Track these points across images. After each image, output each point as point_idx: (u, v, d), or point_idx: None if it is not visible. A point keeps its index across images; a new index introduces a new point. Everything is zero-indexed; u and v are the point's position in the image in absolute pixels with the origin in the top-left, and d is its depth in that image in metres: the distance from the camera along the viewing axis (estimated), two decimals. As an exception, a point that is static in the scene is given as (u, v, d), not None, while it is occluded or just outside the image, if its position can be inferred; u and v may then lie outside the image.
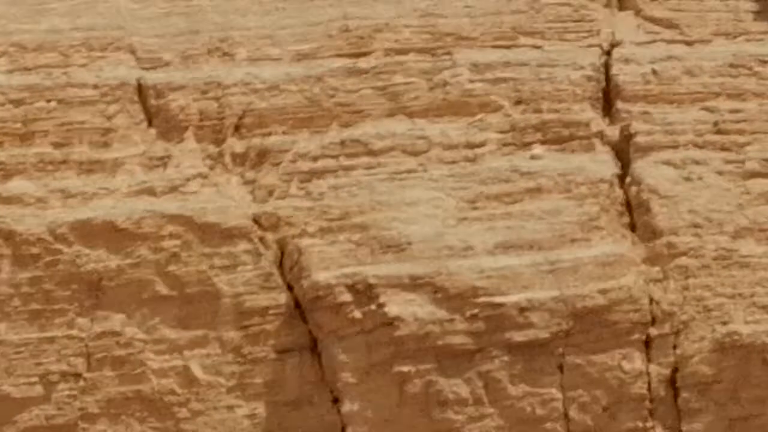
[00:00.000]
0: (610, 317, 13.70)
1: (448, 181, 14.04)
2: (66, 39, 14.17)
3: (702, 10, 14.88)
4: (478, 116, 14.19)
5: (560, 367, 13.85)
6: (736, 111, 14.21)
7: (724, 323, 13.74)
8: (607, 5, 15.25)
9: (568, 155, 14.13)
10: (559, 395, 13.89)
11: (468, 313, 13.65)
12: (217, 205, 13.75)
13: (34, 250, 13.28)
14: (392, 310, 13.56)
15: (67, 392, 13.58)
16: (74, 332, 13.55)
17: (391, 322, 13.59)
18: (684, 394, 13.85)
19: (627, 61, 14.48)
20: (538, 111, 14.19)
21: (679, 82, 14.36)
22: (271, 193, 14.01)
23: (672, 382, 13.88)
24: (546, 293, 13.70)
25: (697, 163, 14.04)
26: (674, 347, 13.85)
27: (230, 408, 13.68)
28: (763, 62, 14.47)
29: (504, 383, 13.76)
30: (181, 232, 13.67)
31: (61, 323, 13.52)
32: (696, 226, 13.80)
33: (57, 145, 13.99)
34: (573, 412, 13.90)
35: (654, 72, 14.34)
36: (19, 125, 13.95)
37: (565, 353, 13.83)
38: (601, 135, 14.31)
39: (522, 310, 13.64)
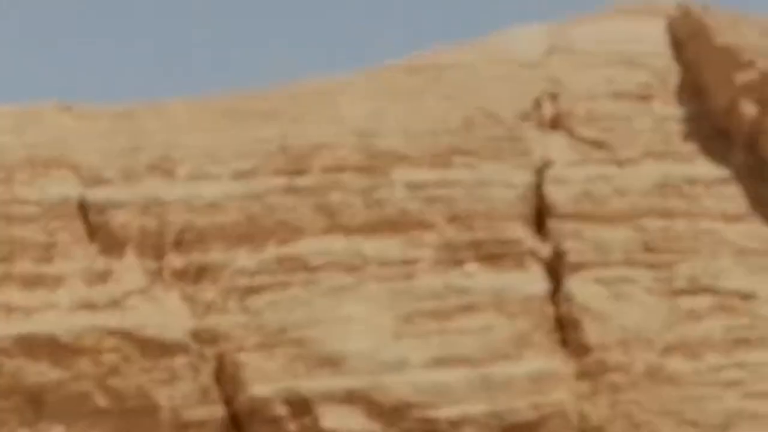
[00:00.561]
0: None
1: (383, 297, 14.36)
2: (10, 156, 14.51)
3: (631, 131, 15.30)
4: (413, 234, 14.50)
5: None
6: (665, 230, 14.55)
7: None
8: (540, 126, 15.65)
9: (500, 273, 14.46)
10: None
11: (402, 427, 13.88)
12: (156, 320, 14.05)
13: (-23, 363, 13.58)
14: (327, 423, 13.81)
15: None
16: (15, 444, 13.81)
17: None
18: None
19: (559, 181, 14.87)
20: (472, 229, 14.55)
21: (609, 201, 14.75)
22: (209, 308, 14.31)
23: None
24: (478, 408, 13.98)
25: (626, 281, 14.38)
26: None
27: None
28: (691, 183, 14.86)
29: None
30: (120, 346, 13.96)
31: (2, 434, 13.79)
32: (625, 343, 14.13)
33: (0, 260, 14.31)
34: None
35: (585, 192, 14.73)
36: (-38, 241, 14.30)
37: None
38: (533, 253, 14.66)
39: (454, 424, 13.90)
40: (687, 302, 14.54)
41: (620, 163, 15.24)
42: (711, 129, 15.52)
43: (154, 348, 14.04)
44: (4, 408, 14.01)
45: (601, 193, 14.83)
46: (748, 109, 14.95)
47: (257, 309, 14.33)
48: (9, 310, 14.20)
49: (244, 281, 14.44)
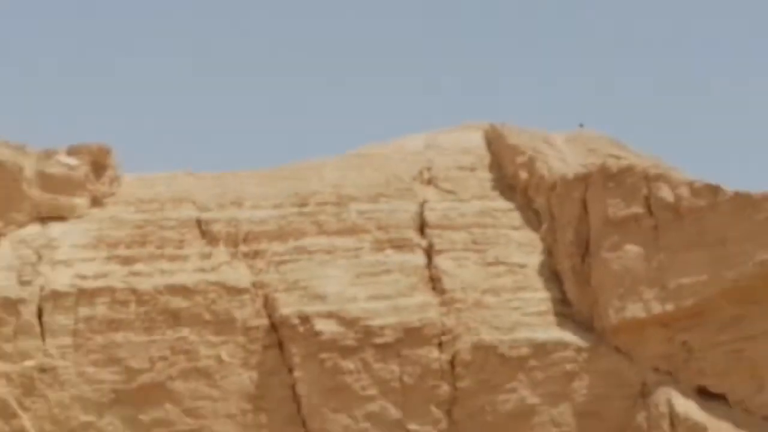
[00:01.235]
0: (422, 332, 30.23)
1: (346, 266, 30.47)
2: (162, 196, 31.57)
3: (466, 185, 32.56)
4: (360, 235, 31.22)
5: (398, 356, 29.78)
6: (484, 234, 31.50)
7: (477, 335, 30.43)
8: (422, 183, 32.72)
9: (403, 254, 30.91)
10: (397, 369, 30.03)
11: (354, 329, 29.86)
12: (234, 277, 30.53)
13: None
14: (318, 327, 30.15)
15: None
16: None
17: (317, 333, 30.21)
18: (457, 369, 29.68)
19: (431, 209, 31.71)
20: (389, 233, 30.86)
21: (455, 219, 31.66)
22: (260, 271, 30.69)
23: (451, 363, 30.02)
24: (392, 320, 29.74)
25: (464, 258, 31.24)
26: (452, 346, 30.17)
27: None
28: (496, 210, 31.89)
29: (372, 363, 29.51)
30: (217, 290, 30.51)
31: None
32: (464, 288, 30.78)
33: (156, 247, 30.95)
34: (405, 377, 29.99)
35: (444, 215, 31.75)
36: None
37: (401, 349, 29.58)
38: (419, 244, 31.44)
39: (381, 327, 29.76)
40: (493, 269, 31.45)
41: (461, 201, 32.37)
42: (506, 185, 32.56)
43: (233, 291, 30.63)
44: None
45: (451, 216, 31.87)
46: (523, 175, 32.49)
47: (284, 271, 30.83)
48: (162, 272, 30.81)
49: (276, 258, 31.18)
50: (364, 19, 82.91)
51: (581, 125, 38.37)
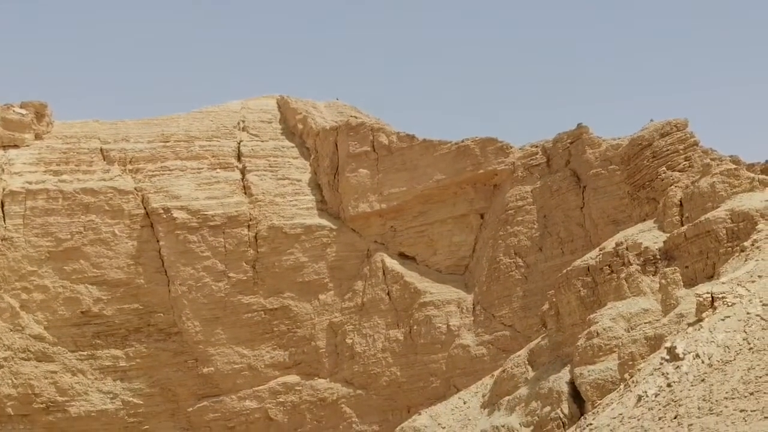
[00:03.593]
0: (238, 219, 51.21)
1: (192, 179, 51.60)
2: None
3: (266, 131, 53.68)
4: (201, 160, 52.02)
5: (223, 233, 50.45)
6: (276, 161, 52.81)
7: (271, 221, 51.53)
8: (239, 129, 53.41)
9: (228, 172, 52.31)
10: (223, 240, 50.74)
11: (197, 216, 50.99)
12: (124, 184, 50.96)
13: None
14: (175, 215, 50.85)
15: None
16: None
17: (174, 218, 50.74)
18: (259, 241, 50.14)
19: (245, 145, 51.99)
20: (218, 159, 52.11)
21: (259, 152, 52.75)
22: (139, 181, 51.21)
23: (255, 237, 50.99)
24: (220, 211, 51.02)
25: (264, 175, 52.52)
26: (256, 227, 50.98)
27: None
28: (284, 147, 53.19)
29: (207, 237, 50.05)
30: None
31: None
32: (263, 192, 52.11)
33: None
34: (227, 246, 51.08)
35: (252, 149, 52.64)
36: None
37: (225, 229, 50.41)
38: (237, 167, 52.37)
39: (213, 215, 50.85)
40: (282, 182, 51.69)
41: (262, 141, 52.30)
42: (289, 132, 51.73)
43: (123, 192, 50.28)
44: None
45: (256, 150, 51.94)
46: (300, 126, 50.91)
47: (154, 181, 49.77)
48: (79, 180, 50.53)
49: (150, 173, 50.95)
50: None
51: (337, 98, 56.23)
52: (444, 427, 35.77)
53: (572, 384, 29.70)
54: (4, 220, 45.33)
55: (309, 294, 47.56)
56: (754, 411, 16.80)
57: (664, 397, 19.74)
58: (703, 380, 19.27)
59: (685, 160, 34.00)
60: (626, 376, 23.80)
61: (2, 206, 45.50)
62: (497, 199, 45.91)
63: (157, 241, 47.00)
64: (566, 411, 29.68)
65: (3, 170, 46.03)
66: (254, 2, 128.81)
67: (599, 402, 25.24)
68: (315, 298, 47.56)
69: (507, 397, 33.82)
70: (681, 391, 19.26)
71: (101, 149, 48.77)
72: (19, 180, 46.19)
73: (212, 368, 46.43)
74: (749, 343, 19.63)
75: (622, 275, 29.78)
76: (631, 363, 24.98)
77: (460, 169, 46.73)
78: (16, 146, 47.71)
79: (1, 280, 43.90)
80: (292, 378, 46.94)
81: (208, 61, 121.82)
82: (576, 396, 29.52)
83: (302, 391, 46.48)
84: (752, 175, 30.67)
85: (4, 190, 45.40)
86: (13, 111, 47.38)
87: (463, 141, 47.04)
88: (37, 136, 48.55)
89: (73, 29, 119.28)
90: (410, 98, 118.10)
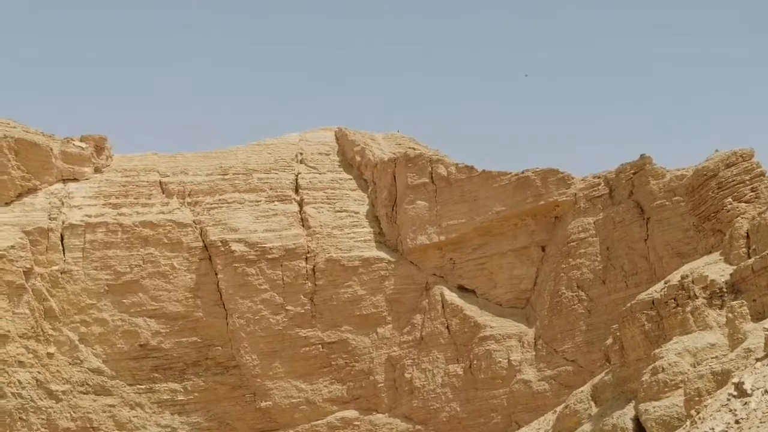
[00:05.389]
0: (296, 252, 51.27)
1: (250, 211, 51.97)
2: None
3: (324, 163, 54.16)
4: (259, 193, 52.34)
5: (281, 266, 50.14)
6: (334, 193, 53.23)
7: (328, 253, 51.76)
8: (297, 161, 53.17)
9: (285, 204, 52.77)
10: (281, 273, 50.52)
11: (255, 249, 51.37)
12: (182, 216, 51.64)
13: None
14: (233, 248, 51.42)
15: None
16: None
17: (233, 251, 51.17)
18: (317, 273, 49.29)
19: (302, 178, 52.01)
20: (276, 192, 52.43)
21: (317, 184, 52.93)
22: (198, 214, 51.62)
23: (313, 270, 50.98)
24: (278, 243, 51.33)
25: (321, 207, 52.84)
26: (314, 260, 51.25)
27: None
28: (341, 180, 53.47)
29: (265, 269, 49.88)
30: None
31: None
32: (321, 225, 52.37)
33: None
34: (285, 278, 51.11)
35: (310, 182, 52.98)
36: None
37: (283, 261, 50.84)
38: (294, 199, 52.77)
39: (270, 248, 51.32)
40: (339, 214, 51.42)
41: (320, 173, 51.93)
42: (347, 164, 51.83)
43: (181, 225, 50.66)
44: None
45: (314, 182, 51.87)
46: (358, 158, 51.03)
47: (212, 214, 49.20)
48: (138, 213, 51.28)
49: (208, 206, 51.24)
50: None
51: (398, 131, 56.96)
52: (506, 464, 33.89)
53: (637, 420, 29.42)
54: (64, 254, 45.93)
55: (367, 327, 47.65)
56: (824, 448, 15.68)
57: (731, 434, 18.46)
58: (771, 417, 18.03)
59: (752, 191, 33.66)
60: (692, 412, 23.75)
61: (62, 239, 46.19)
62: (559, 231, 45.55)
63: (216, 274, 47.40)
64: (631, 448, 28.44)
65: (63, 203, 46.99)
66: (306, 33, 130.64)
67: (665, 439, 23.81)
68: (373, 332, 47.60)
69: (570, 434, 32.63)
70: (749, 428, 19.15)
71: (160, 182, 49.59)
72: (79, 213, 47.04)
73: (270, 402, 46.58)
74: (819, 379, 18.27)
75: (688, 309, 29.44)
76: (697, 399, 24.82)
77: (521, 200, 46.47)
78: (75, 180, 48.68)
79: (60, 313, 44.49)
80: (351, 413, 46.99)
81: (266, 93, 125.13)
82: (641, 432, 28.41)
83: (361, 426, 46.48)
84: (821, 206, 28.86)
85: (63, 223, 46.21)
86: (73, 144, 48.47)
87: (523, 172, 46.88)
88: (97, 170, 49.51)
89: (133, 66, 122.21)
90: (469, 129, 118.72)
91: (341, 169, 52.62)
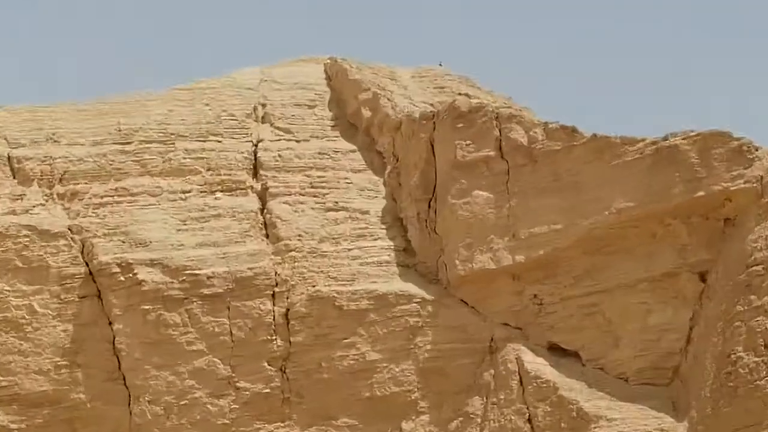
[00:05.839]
0: (254, 282, 43.35)
1: (171, 210, 43.93)
2: None
3: (305, 123, 45.68)
4: (188, 177, 44.43)
5: (228, 308, 43.02)
6: (323, 177, 44.69)
7: (313, 286, 43.52)
8: (256, 120, 46.02)
9: (234, 198, 44.30)
10: (227, 322, 43.17)
11: (180, 279, 43.17)
12: (49, 220, 43.21)
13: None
14: (141, 276, 43.06)
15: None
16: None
17: (140, 283, 43.03)
18: (292, 322, 43.04)
19: (266, 150, 44.99)
20: (220, 174, 44.47)
21: (291, 160, 44.92)
22: (77, 214, 43.62)
23: (286, 316, 43.21)
24: (221, 269, 43.36)
25: (301, 203, 44.35)
26: (287, 298, 43.30)
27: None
28: (336, 152, 45.29)
29: (199, 315, 43.07)
30: (30, 234, 43.29)
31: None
32: (300, 236, 43.89)
33: None
34: (234, 331, 43.16)
35: (279, 155, 45.01)
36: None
37: (231, 301, 43.04)
38: (252, 188, 44.57)
39: (209, 277, 43.18)
40: (332, 215, 44.27)
41: (298, 141, 45.62)
42: (347, 124, 46.05)
43: (47, 235, 43.13)
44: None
45: (288, 156, 45.09)
46: (366, 113, 45.69)
47: (104, 215, 43.40)
48: None
49: (96, 200, 43.87)
50: None
51: (440, 64, 50.09)
52: None
53: None
54: None
55: (384, 420, 42.70)
56: None
57: None
58: None
59: None
60: None
61: None
62: (732, 246, 40.47)
63: (110, 323, 42.66)
64: None
65: None
66: None
67: None
68: (396, 429, 42.50)
69: None
70: None
71: (9, 157, 44.80)
72: None
73: None
74: None
75: None
76: None
77: (661, 189, 40.84)
78: None
79: None
80: None
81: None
82: None
83: None
84: None
85: None
86: None
87: (666, 138, 41.19)
88: None
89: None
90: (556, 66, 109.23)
91: (336, 132, 47.30)
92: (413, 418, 42.90)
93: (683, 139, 40.96)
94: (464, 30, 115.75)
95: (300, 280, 43.03)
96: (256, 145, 46.29)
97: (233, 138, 46.27)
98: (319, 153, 46.01)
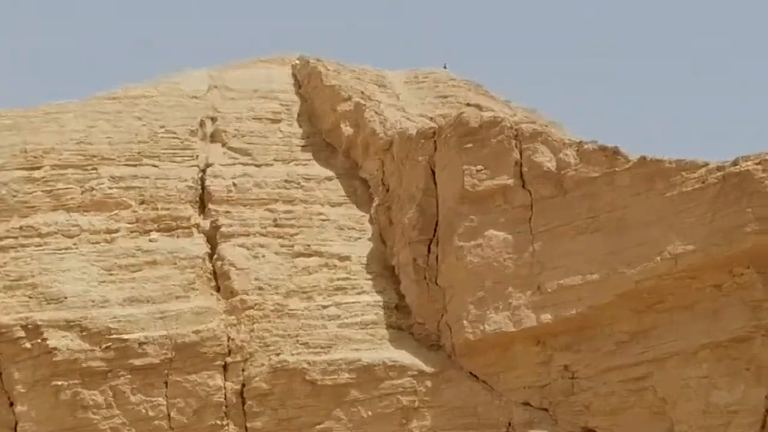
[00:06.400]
0: (200, 350, 35.65)
1: (93, 255, 36.26)
2: None
3: (266, 143, 38.25)
4: (115, 212, 36.63)
5: (166, 383, 35.96)
6: (288, 212, 37.13)
7: (277, 354, 35.79)
8: (203, 138, 38.52)
9: (175, 239, 36.54)
10: (164, 402, 35.71)
11: (104, 346, 35.36)
12: None
13: None
14: (52, 343, 35.21)
15: None
16: None
17: (50, 351, 35.14)
18: (249, 402, 35.98)
19: (216, 176, 37.78)
20: (156, 209, 36.88)
21: (250, 191, 37.50)
22: None
23: (241, 394, 35.84)
24: (158, 333, 35.86)
25: (261, 246, 36.73)
26: (243, 370, 35.98)
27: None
28: (307, 179, 37.76)
29: (128, 394, 35.64)
30: None
31: None
32: (260, 288, 36.20)
33: None
34: (173, 414, 35.73)
35: (234, 184, 37.40)
36: None
37: (170, 374, 35.91)
38: (197, 226, 37.11)
39: (141, 344, 35.59)
40: (303, 262, 37.08)
41: (258, 166, 38.32)
42: (321, 143, 39.49)
43: None
44: None
45: (245, 186, 37.73)
46: (346, 130, 38.26)
47: (4, 262, 35.85)
48: None
49: None
50: None
51: (445, 66, 45.16)
52: None
53: None
54: None
55: None
56: None
57: None
58: None
59: None
60: None
61: None
62: None
63: (11, 404, 36.72)
64: None
65: None
66: None
67: None
68: None
69: None
70: None
71: None
72: None
73: None
74: None
75: None
76: None
77: (730, 228, 35.33)
78: None
79: None
80: None
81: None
82: None
83: None
84: None
85: None
86: None
87: (735, 163, 35.66)
88: None
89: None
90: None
91: (307, 154, 41.40)
92: None
93: (757, 163, 35.38)
94: (468, 30, 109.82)
95: (260, 347, 37.32)
96: (203, 171, 40.33)
97: (173, 161, 40.23)
98: (286, 181, 40.08)
